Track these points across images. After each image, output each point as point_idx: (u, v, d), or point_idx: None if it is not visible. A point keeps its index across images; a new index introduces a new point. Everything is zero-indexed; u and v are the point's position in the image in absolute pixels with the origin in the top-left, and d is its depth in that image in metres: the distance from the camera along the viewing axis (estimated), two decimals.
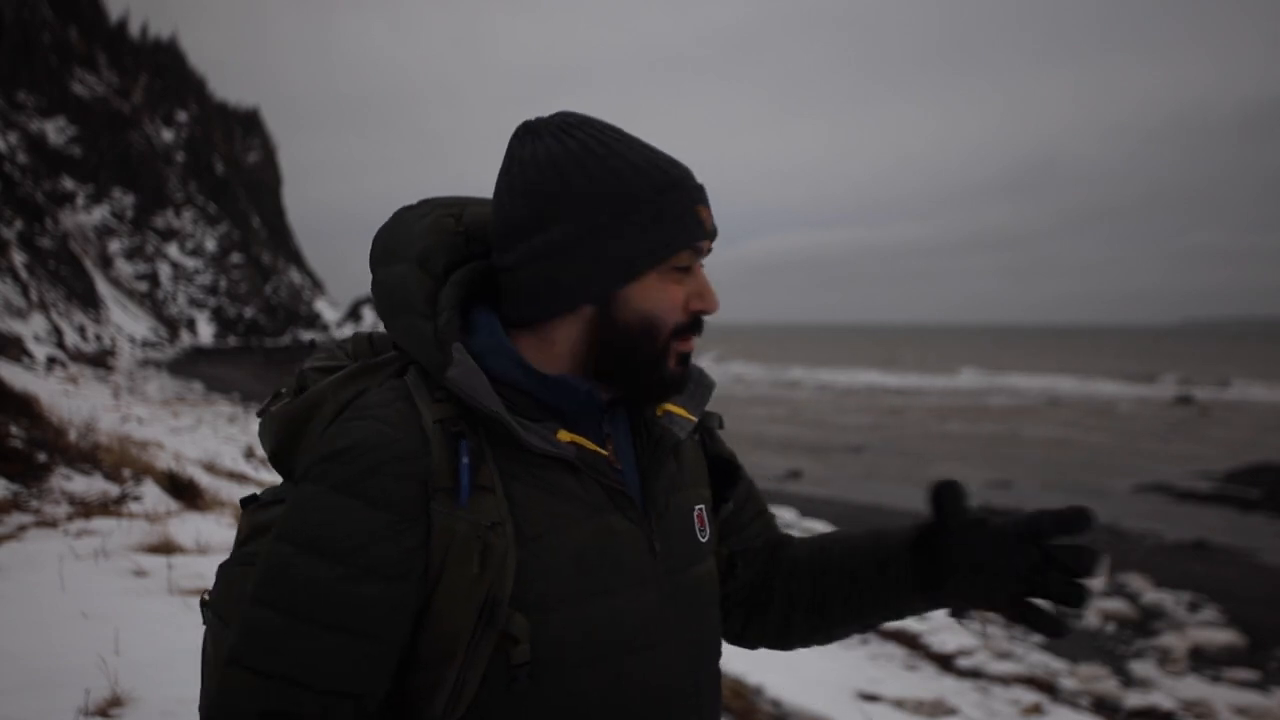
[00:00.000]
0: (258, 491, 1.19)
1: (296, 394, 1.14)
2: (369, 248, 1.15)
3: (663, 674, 1.07)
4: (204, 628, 1.17)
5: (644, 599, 1.07)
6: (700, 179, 1.09)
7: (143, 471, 7.60)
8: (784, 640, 1.31)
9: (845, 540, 1.27)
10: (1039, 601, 1.13)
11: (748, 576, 1.29)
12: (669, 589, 1.09)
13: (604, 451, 1.08)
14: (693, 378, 1.19)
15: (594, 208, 1.03)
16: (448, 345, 1.03)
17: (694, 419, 1.17)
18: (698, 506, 1.18)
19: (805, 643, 1.31)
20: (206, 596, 1.19)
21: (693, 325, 1.08)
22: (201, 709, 1.05)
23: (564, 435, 1.05)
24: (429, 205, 1.15)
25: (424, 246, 1.10)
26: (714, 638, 1.18)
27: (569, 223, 1.04)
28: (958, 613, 1.18)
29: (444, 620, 0.97)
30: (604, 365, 1.07)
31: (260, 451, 16.99)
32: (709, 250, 1.08)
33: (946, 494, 1.20)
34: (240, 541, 1.16)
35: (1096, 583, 11.46)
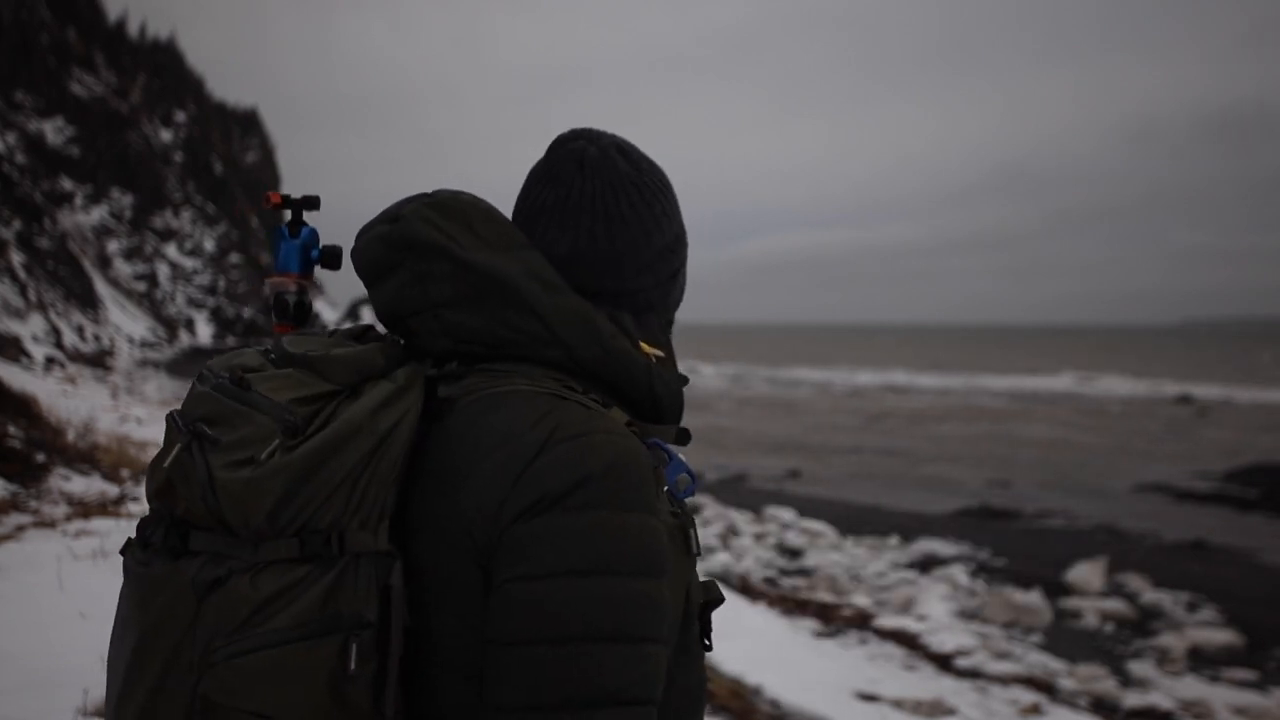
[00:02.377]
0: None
1: (290, 433, 0.92)
2: None
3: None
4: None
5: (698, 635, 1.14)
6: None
7: (141, 472, 7.59)
8: None
9: None
10: None
11: None
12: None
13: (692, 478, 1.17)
14: None
15: (677, 228, 1.17)
16: (626, 334, 1.08)
17: None
18: None
19: None
20: None
21: None
22: None
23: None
24: (473, 197, 1.19)
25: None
26: None
27: (685, 245, 1.17)
28: None
29: (673, 609, 1.01)
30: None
31: None
32: None
33: None
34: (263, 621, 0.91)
35: (1095, 582, 11.45)
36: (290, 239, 1.35)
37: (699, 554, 1.06)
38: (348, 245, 1.20)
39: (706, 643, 1.08)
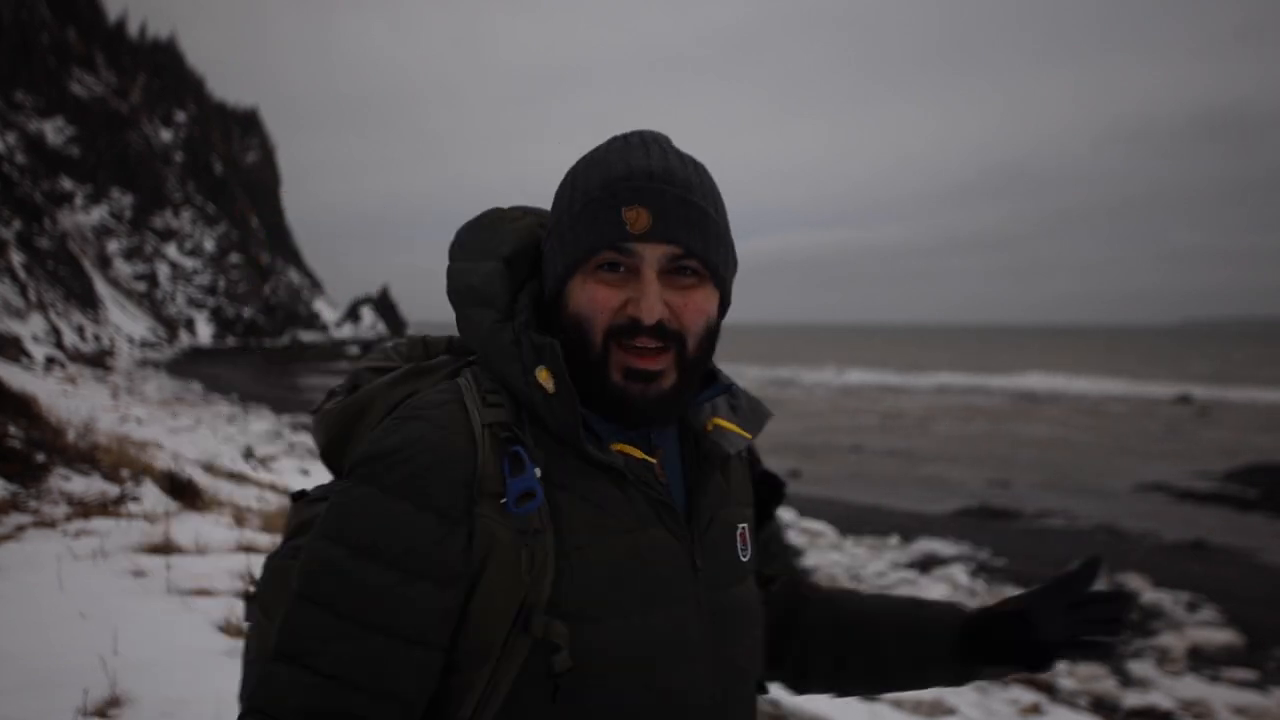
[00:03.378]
0: (307, 487, 1.23)
1: (349, 393, 1.16)
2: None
3: (693, 692, 1.06)
4: (248, 622, 1.19)
5: (681, 614, 1.06)
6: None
7: (141, 472, 7.60)
8: (799, 684, 1.32)
9: (881, 600, 1.31)
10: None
11: (773, 611, 1.29)
12: (708, 606, 1.08)
13: (651, 459, 1.08)
14: (748, 401, 1.22)
15: (557, 207, 1.10)
16: (525, 339, 1.05)
17: (748, 436, 1.17)
18: (741, 525, 1.17)
19: (819, 689, 1.31)
20: (252, 590, 1.20)
21: (632, 328, 1.02)
22: (244, 701, 1.05)
23: (618, 446, 1.06)
24: (523, 210, 1.18)
25: (515, 249, 1.13)
26: (751, 660, 1.16)
27: (555, 214, 1.10)
28: (997, 678, 1.25)
29: (479, 624, 0.98)
30: (571, 373, 1.05)
31: (260, 451, 16.99)
32: (661, 253, 1.03)
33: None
34: (289, 535, 1.19)
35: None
36: None
37: (529, 579, 0.97)
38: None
39: (551, 691, 0.98)
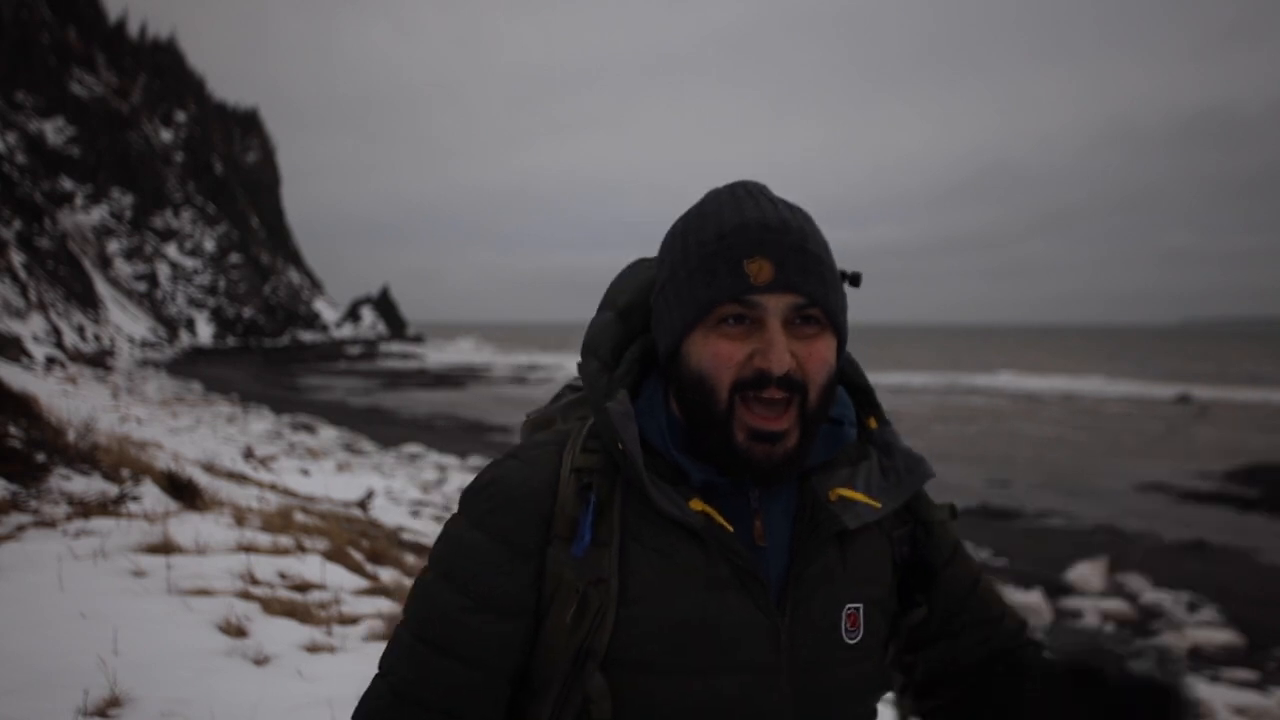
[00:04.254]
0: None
1: (554, 401, 1.23)
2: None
3: None
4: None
5: (756, 685, 1.03)
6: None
7: (141, 472, 7.60)
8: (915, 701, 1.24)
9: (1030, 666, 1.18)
10: None
11: (950, 693, 1.21)
12: (796, 684, 1.05)
13: (729, 527, 1.03)
14: (905, 461, 1.13)
15: (668, 261, 1.09)
16: (614, 392, 1.07)
17: (877, 506, 1.09)
18: (852, 605, 1.09)
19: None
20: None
21: (759, 380, 1.00)
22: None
23: (696, 504, 1.03)
24: (654, 260, 1.18)
25: (630, 301, 1.15)
26: None
27: (663, 269, 1.10)
28: None
29: (544, 659, 1.03)
30: (690, 428, 1.06)
31: (260, 451, 16.97)
32: (785, 304, 1.01)
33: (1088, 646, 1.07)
34: None
35: (1095, 582, 11.44)
36: None
37: (587, 627, 1.00)
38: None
39: None
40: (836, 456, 1.12)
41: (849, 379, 1.20)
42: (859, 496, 1.09)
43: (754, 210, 1.04)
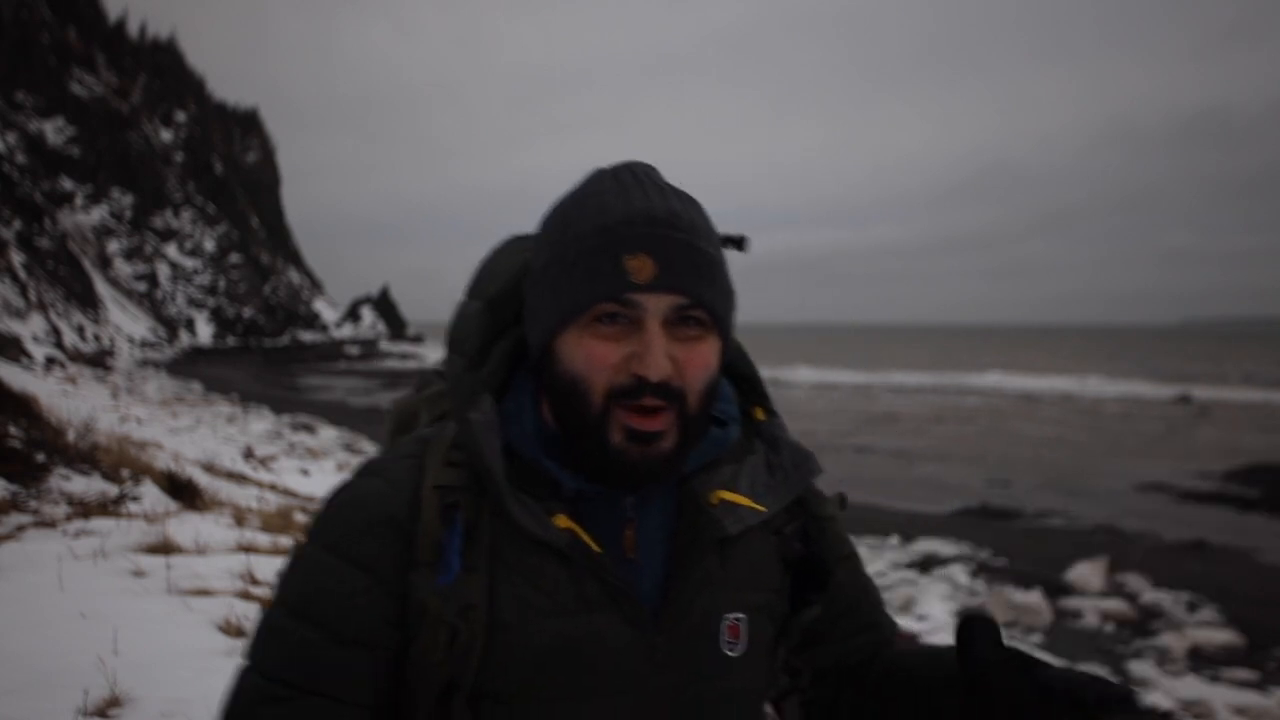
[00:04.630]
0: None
1: (418, 391, 1.16)
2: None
3: None
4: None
5: (631, 706, 0.96)
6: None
7: (141, 472, 7.60)
8: None
9: (907, 665, 1.11)
10: None
11: (833, 694, 1.15)
12: (674, 702, 0.98)
13: (596, 548, 0.96)
14: (793, 457, 1.07)
15: (544, 250, 0.99)
16: (478, 396, 0.98)
17: (761, 510, 1.03)
18: (732, 615, 1.02)
19: None
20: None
21: (635, 389, 0.93)
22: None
23: (561, 521, 0.96)
24: (532, 240, 1.06)
25: (501, 290, 1.05)
26: None
27: (536, 266, 1.00)
28: None
29: (410, 688, 0.95)
30: (561, 432, 0.98)
31: (260, 451, 16.96)
32: (666, 304, 0.94)
33: (980, 634, 0.95)
34: None
35: (1095, 582, 11.45)
36: None
37: (456, 658, 0.93)
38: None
39: None
40: (719, 455, 1.04)
41: (734, 368, 1.11)
42: (742, 500, 1.02)
43: (641, 200, 0.95)
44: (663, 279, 0.93)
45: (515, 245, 1.11)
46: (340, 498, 0.99)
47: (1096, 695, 0.88)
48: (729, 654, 1.01)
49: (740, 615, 1.02)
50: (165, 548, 5.20)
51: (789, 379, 58.17)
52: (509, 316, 1.05)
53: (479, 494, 0.96)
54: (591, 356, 0.94)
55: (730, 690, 1.02)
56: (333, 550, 0.95)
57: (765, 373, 1.15)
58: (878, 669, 1.13)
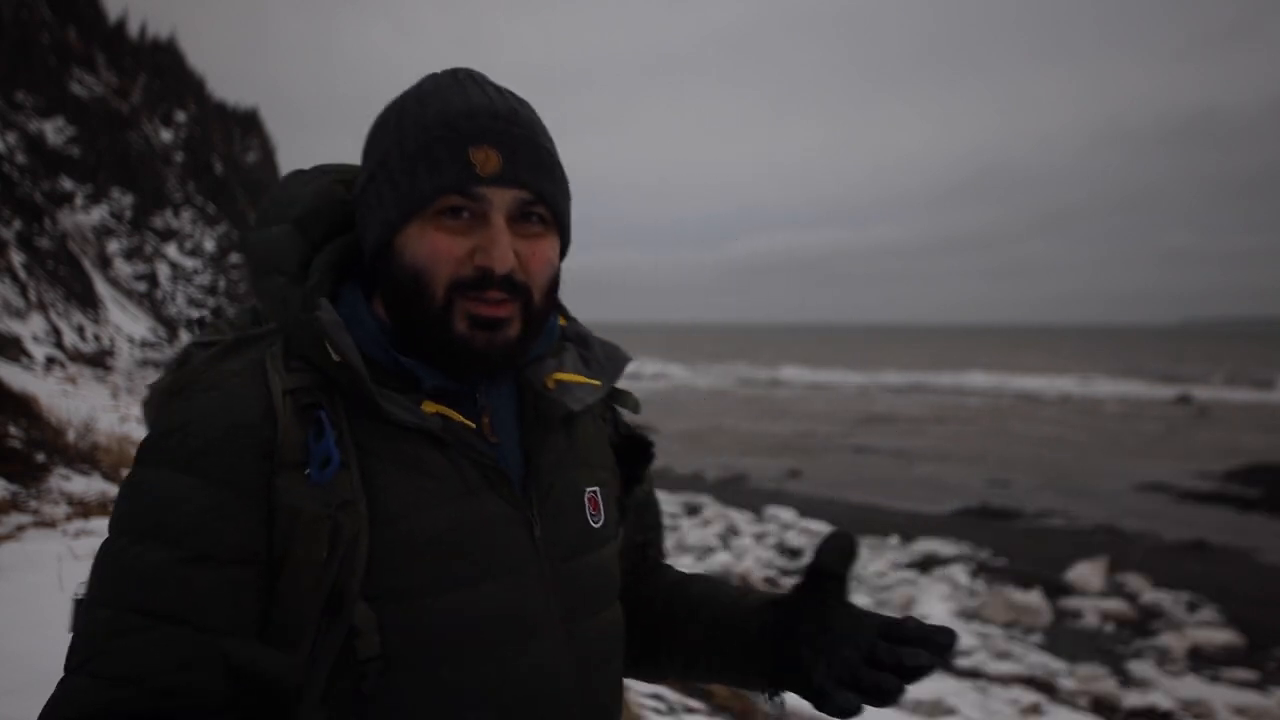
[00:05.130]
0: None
1: (178, 370, 1.02)
2: None
3: (542, 668, 0.97)
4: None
5: (520, 586, 0.97)
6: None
7: None
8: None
9: (705, 585, 1.18)
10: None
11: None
12: (551, 576, 1.00)
13: (470, 424, 0.98)
14: (603, 350, 1.12)
15: (379, 148, 0.99)
16: (312, 303, 0.96)
17: (596, 384, 1.07)
18: (590, 489, 1.07)
19: (629, 672, 1.19)
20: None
21: (480, 281, 0.94)
22: None
23: (429, 407, 0.96)
24: (321, 170, 1.08)
25: (306, 210, 1.03)
26: (610, 636, 1.07)
27: (370, 160, 1.00)
28: (775, 692, 1.05)
29: (287, 606, 0.88)
30: (401, 328, 0.98)
31: None
32: (510, 199, 0.95)
33: (835, 551, 0.99)
34: None
35: (1095, 582, 11.46)
36: None
37: (340, 557, 0.88)
38: None
39: (357, 676, 0.90)
40: (544, 351, 1.07)
41: None
42: (577, 378, 1.06)
43: (480, 96, 0.97)
44: (507, 173, 0.94)
45: (310, 174, 1.08)
46: (176, 419, 0.91)
47: (918, 633, 0.94)
48: (594, 525, 1.06)
49: (595, 488, 1.08)
50: None
51: (789, 379, 58.15)
52: (318, 236, 1.02)
53: (330, 394, 0.94)
54: (436, 249, 0.94)
55: (601, 563, 1.06)
56: (185, 470, 0.88)
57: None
58: (671, 581, 1.21)
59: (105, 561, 0.88)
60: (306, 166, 1.10)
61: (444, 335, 0.95)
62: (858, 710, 0.92)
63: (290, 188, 1.07)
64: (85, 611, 0.87)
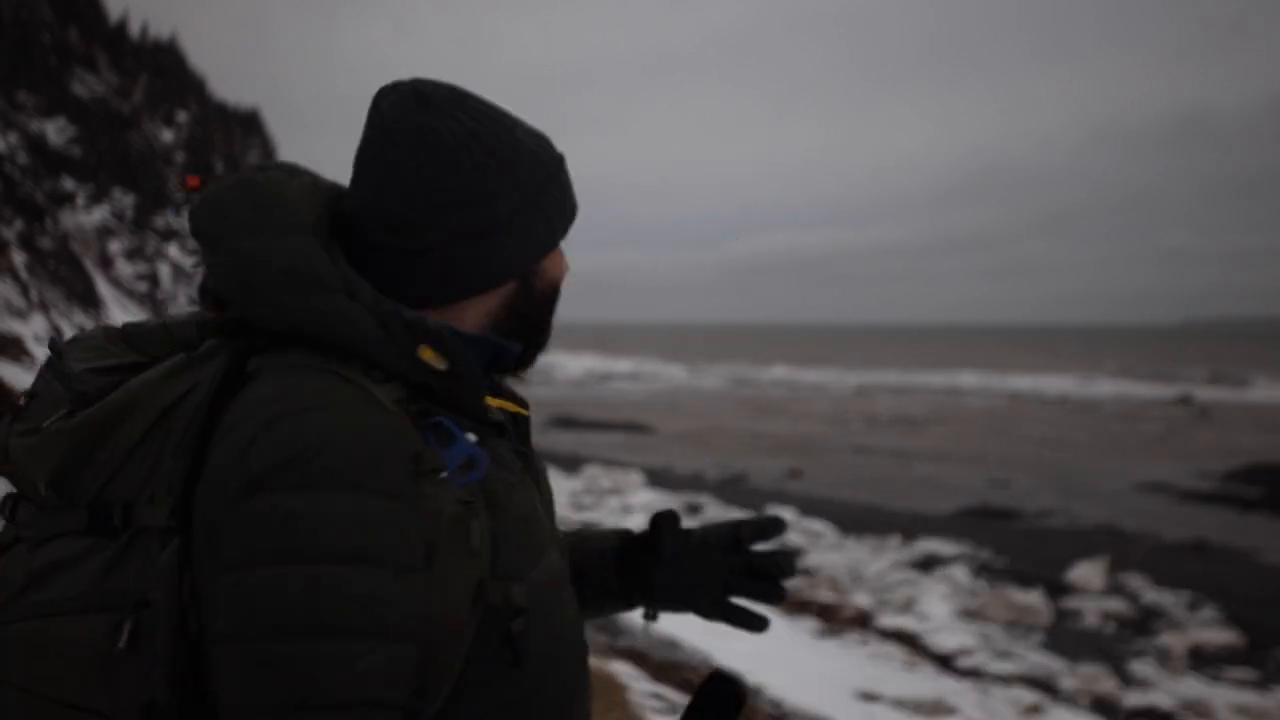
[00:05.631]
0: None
1: (83, 403, 0.93)
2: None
3: (581, 630, 1.10)
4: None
5: (561, 562, 1.08)
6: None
7: None
8: None
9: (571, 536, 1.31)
10: (740, 601, 1.22)
11: None
12: (559, 548, 1.10)
13: (525, 411, 1.12)
14: None
15: (526, 181, 1.03)
16: (396, 320, 0.93)
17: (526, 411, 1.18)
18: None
19: None
20: None
21: None
22: None
23: (492, 401, 1.07)
24: (287, 170, 1.02)
25: (317, 217, 0.98)
26: None
27: (508, 198, 1.01)
28: (652, 615, 1.26)
29: (448, 608, 0.89)
30: (515, 336, 1.08)
31: None
32: None
33: (665, 525, 1.24)
34: (17, 593, 0.91)
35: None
36: None
37: (474, 545, 0.91)
38: None
39: (512, 656, 0.94)
40: None
41: None
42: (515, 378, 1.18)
43: (526, 124, 1.08)
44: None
45: (282, 173, 1.01)
46: (305, 438, 0.85)
47: (751, 531, 1.22)
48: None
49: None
50: None
51: (789, 379, 58.15)
52: (336, 247, 0.98)
53: (423, 401, 0.95)
54: (561, 267, 1.11)
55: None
56: (351, 487, 0.85)
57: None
58: None
59: (294, 593, 0.82)
60: (299, 164, 1.05)
61: (545, 338, 1.12)
62: (766, 623, 1.22)
63: (275, 189, 0.98)
64: (283, 647, 0.82)
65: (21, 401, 0.99)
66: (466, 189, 1.00)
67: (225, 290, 0.96)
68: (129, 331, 1.03)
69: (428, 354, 0.94)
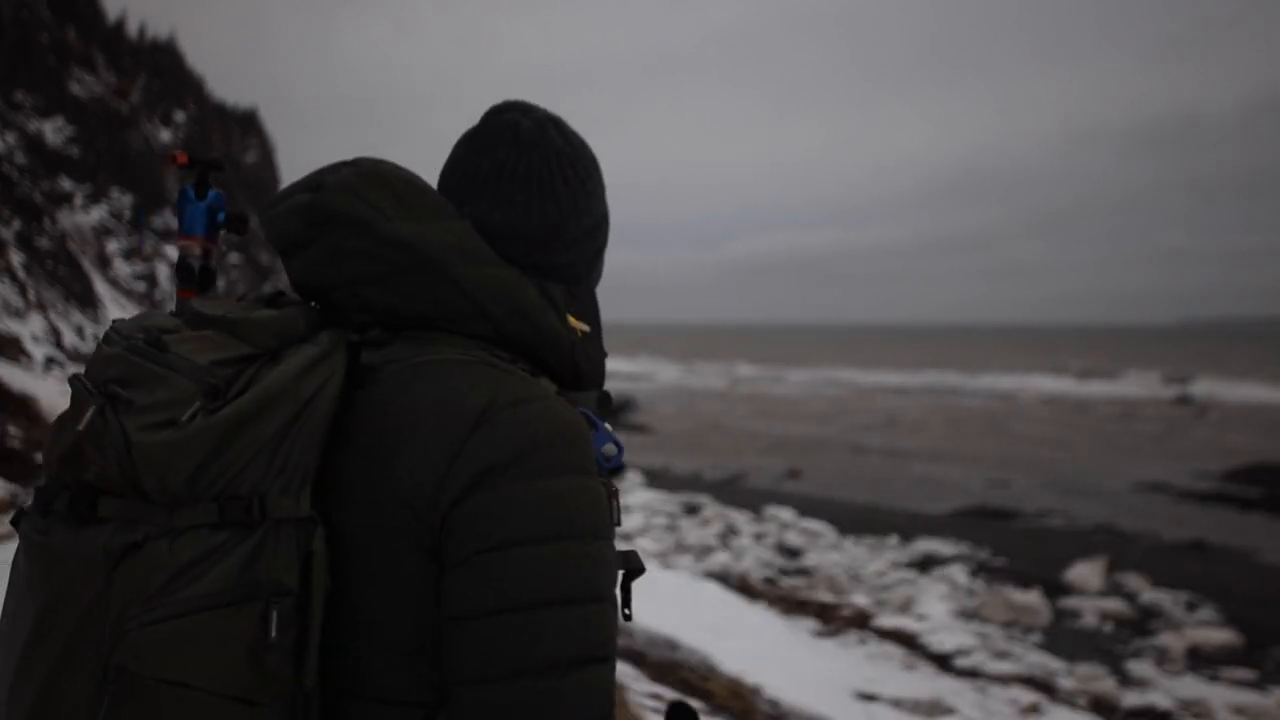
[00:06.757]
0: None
1: (211, 395, 0.92)
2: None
3: None
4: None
5: None
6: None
7: None
8: None
9: None
10: None
11: None
12: None
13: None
14: None
15: (597, 202, 1.17)
16: (555, 303, 1.10)
17: None
18: None
19: None
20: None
21: None
22: (565, 712, 0.91)
23: None
24: (387, 164, 1.08)
25: (495, 256, 1.08)
26: None
27: (608, 223, 1.19)
28: None
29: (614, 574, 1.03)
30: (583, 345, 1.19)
31: None
32: None
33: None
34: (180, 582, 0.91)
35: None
36: (196, 201, 1.29)
37: (619, 524, 1.02)
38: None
39: (627, 612, 1.07)
40: None
41: None
42: None
43: None
44: None
45: (396, 168, 1.07)
46: (539, 429, 0.95)
47: None
48: None
49: None
50: None
51: (788, 378, 58.17)
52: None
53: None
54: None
55: None
56: (585, 472, 0.97)
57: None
58: None
59: (583, 559, 0.94)
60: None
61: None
62: None
63: (415, 179, 1.07)
64: (589, 608, 0.93)
65: (120, 392, 0.91)
66: (593, 213, 1.15)
67: (364, 274, 1.01)
68: (232, 320, 0.98)
69: (574, 320, 1.10)
